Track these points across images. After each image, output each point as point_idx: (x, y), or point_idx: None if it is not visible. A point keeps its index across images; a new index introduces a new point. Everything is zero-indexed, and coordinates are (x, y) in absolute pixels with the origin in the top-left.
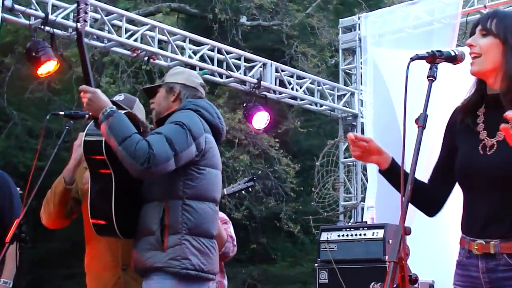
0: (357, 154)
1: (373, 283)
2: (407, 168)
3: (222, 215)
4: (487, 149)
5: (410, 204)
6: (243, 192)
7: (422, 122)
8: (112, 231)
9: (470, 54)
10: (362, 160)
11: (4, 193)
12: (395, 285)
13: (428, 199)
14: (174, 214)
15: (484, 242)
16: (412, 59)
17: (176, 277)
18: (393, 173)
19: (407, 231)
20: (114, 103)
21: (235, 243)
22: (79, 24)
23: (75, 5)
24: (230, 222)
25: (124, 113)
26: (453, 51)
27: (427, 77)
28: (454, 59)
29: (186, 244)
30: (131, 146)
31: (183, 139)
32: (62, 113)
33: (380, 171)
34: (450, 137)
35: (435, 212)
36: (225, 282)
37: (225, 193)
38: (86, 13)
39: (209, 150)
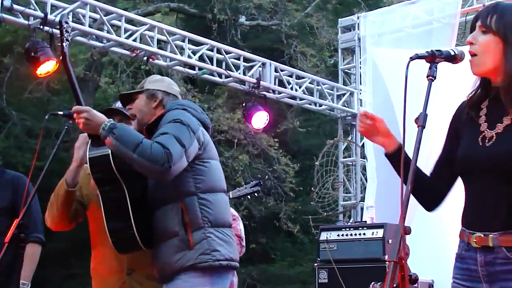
0: (361, 130)
1: (373, 282)
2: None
3: (231, 210)
4: (486, 140)
5: (409, 204)
6: (248, 197)
7: (421, 121)
8: (135, 245)
9: (469, 52)
10: (367, 137)
11: (22, 196)
12: (395, 285)
13: (429, 192)
14: (193, 210)
15: (483, 235)
16: (411, 59)
17: (206, 272)
18: (398, 158)
19: (407, 231)
20: (116, 110)
21: (244, 243)
22: (64, 44)
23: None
24: (240, 219)
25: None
26: (453, 50)
27: (427, 76)
28: (453, 59)
29: (212, 236)
30: (146, 150)
31: (187, 135)
32: (61, 113)
33: (386, 154)
34: (454, 130)
35: (434, 206)
36: (235, 280)
37: (231, 196)
38: (68, 32)
39: (208, 143)
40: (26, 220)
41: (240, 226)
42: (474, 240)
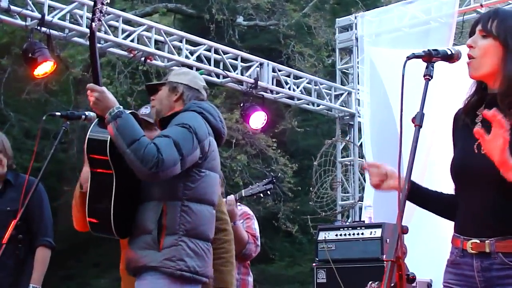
0: (376, 183)
1: (371, 282)
2: (404, 167)
3: (246, 209)
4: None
5: (407, 202)
6: (261, 195)
7: (418, 121)
8: (109, 230)
9: (468, 55)
10: (380, 189)
11: (36, 201)
12: (392, 284)
13: (453, 209)
14: (173, 215)
15: (479, 241)
16: (408, 58)
17: (170, 278)
18: (414, 194)
19: (404, 230)
20: (139, 117)
21: (259, 242)
22: (93, 24)
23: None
24: (255, 218)
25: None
26: (450, 49)
27: (424, 76)
28: (450, 58)
29: (183, 245)
30: (140, 149)
31: (189, 143)
32: (58, 113)
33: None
34: (454, 140)
35: None
36: (250, 279)
37: (243, 194)
38: (101, 12)
39: (211, 153)
40: (36, 227)
41: (255, 225)
42: (470, 246)
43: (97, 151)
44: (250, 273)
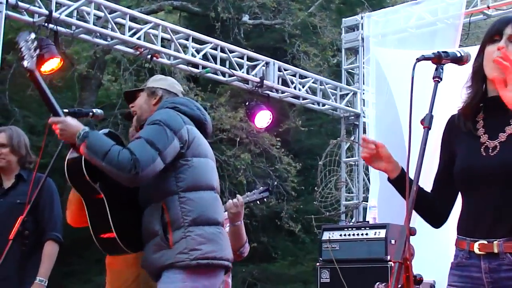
0: (364, 156)
1: (378, 283)
2: (412, 169)
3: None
4: (490, 150)
5: None
6: (258, 202)
7: (427, 123)
8: (120, 249)
9: (499, 57)
10: (370, 164)
11: (47, 198)
12: (399, 286)
13: (433, 210)
14: (173, 209)
15: (486, 242)
16: (418, 60)
17: (187, 270)
18: (402, 183)
19: (412, 232)
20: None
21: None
22: (25, 63)
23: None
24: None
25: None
26: (459, 52)
27: (433, 78)
28: (460, 60)
29: (191, 235)
30: (113, 158)
31: (163, 137)
32: (66, 111)
33: (389, 179)
34: (449, 144)
35: (440, 223)
36: (229, 280)
37: None
38: (30, 49)
39: (193, 140)
40: (45, 223)
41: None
42: (477, 247)
43: (75, 173)
44: (230, 274)
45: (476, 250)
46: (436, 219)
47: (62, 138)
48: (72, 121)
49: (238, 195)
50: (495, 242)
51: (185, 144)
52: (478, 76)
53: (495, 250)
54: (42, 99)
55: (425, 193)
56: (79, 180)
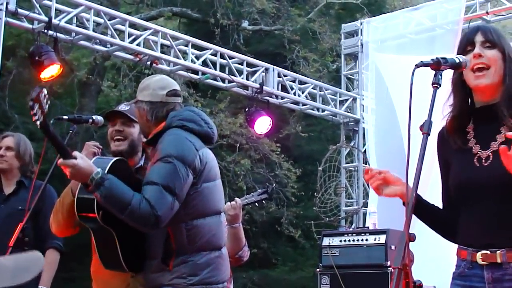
0: (375, 186)
1: None
2: (411, 175)
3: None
4: (483, 160)
5: None
6: (256, 204)
7: (426, 128)
8: (121, 268)
9: (477, 64)
10: (382, 194)
11: (48, 204)
12: None
13: (447, 226)
14: (179, 237)
15: (489, 252)
16: (417, 66)
17: None
18: (419, 205)
19: (412, 238)
20: (119, 113)
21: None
22: (35, 118)
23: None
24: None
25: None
26: (458, 58)
27: (432, 84)
28: (458, 67)
29: (194, 260)
30: (133, 213)
31: (178, 177)
32: (66, 117)
33: (404, 204)
34: (443, 159)
35: (455, 236)
36: (231, 286)
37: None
38: (41, 106)
39: (205, 166)
40: (47, 228)
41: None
42: (480, 257)
43: (86, 210)
44: (232, 281)
45: (479, 260)
46: (450, 233)
47: (72, 178)
48: (83, 164)
49: (236, 198)
50: (498, 252)
51: (198, 174)
52: (459, 87)
53: (498, 260)
54: (53, 144)
55: (437, 210)
56: (88, 217)
